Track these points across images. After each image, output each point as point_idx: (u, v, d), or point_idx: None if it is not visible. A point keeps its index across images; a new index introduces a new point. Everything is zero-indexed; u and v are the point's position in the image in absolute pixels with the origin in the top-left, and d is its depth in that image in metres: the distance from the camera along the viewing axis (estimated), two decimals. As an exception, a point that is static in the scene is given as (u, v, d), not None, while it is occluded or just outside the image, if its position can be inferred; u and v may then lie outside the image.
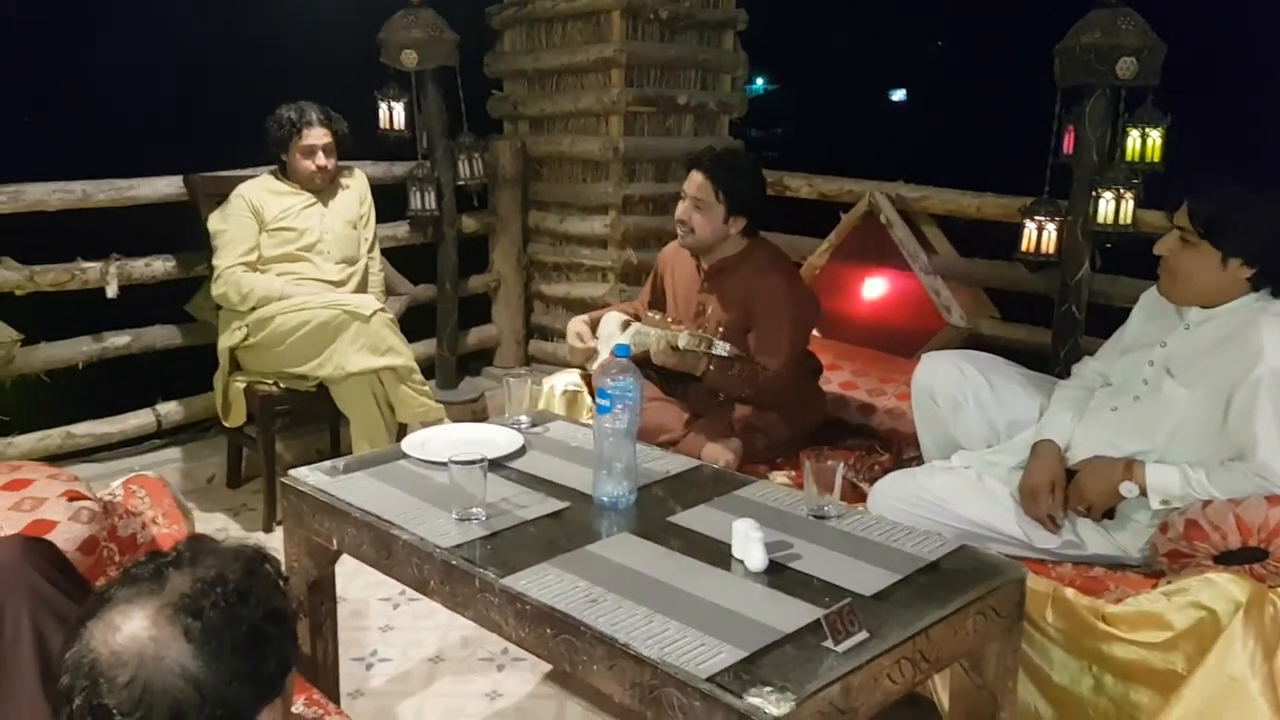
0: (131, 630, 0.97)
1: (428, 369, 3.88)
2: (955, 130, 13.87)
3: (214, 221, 3.35)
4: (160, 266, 3.57)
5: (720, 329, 2.69)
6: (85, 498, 2.06)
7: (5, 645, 1.48)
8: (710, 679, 1.42)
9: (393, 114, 3.98)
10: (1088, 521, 2.20)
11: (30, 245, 3.38)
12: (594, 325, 3.01)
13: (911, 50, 20.33)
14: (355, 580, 2.89)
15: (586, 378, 3.03)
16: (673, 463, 2.26)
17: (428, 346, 4.30)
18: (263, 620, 1.03)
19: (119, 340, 3.56)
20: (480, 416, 4.15)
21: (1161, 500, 2.09)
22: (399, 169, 4.10)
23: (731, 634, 1.52)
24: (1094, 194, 3.21)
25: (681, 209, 2.79)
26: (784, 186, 4.21)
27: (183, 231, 3.58)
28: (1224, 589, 1.85)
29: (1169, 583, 1.98)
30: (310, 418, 3.74)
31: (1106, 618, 1.95)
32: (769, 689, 1.39)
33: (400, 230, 4.17)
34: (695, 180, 2.75)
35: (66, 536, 1.96)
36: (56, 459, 3.32)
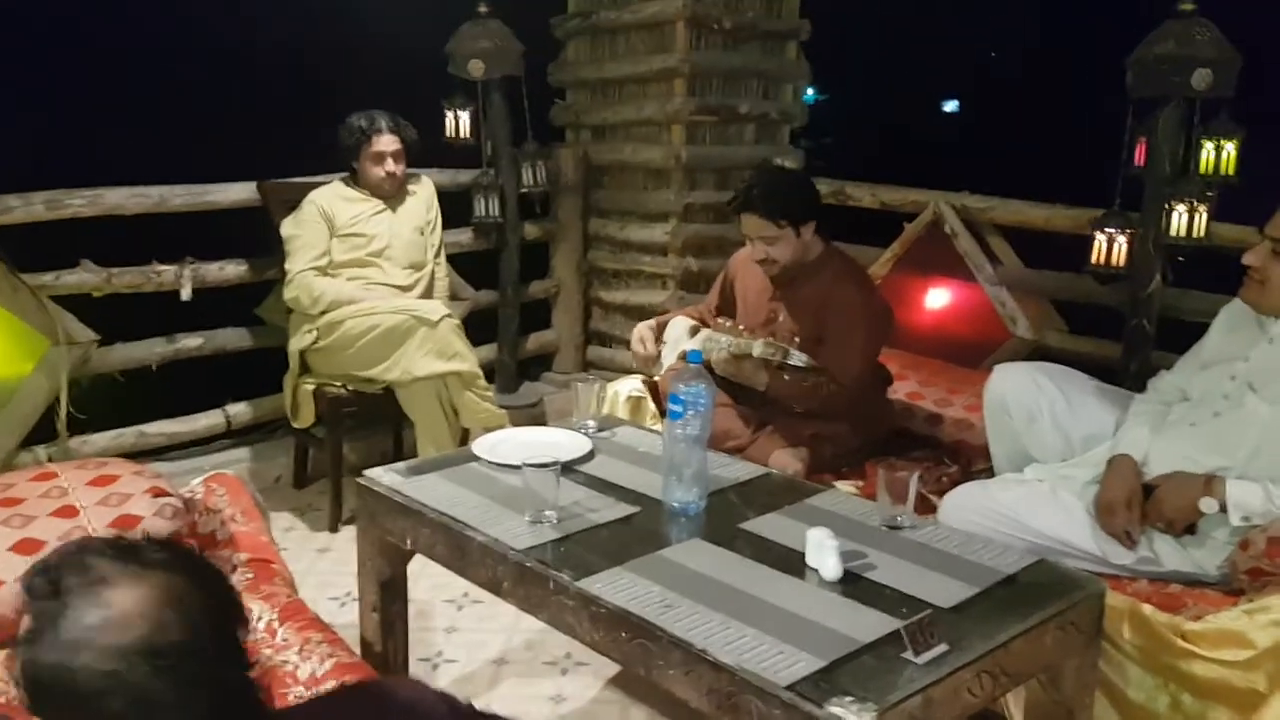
0: (122, 601, 1.04)
1: (488, 373, 3.92)
2: (1009, 141, 13.71)
3: (287, 227, 3.41)
4: (233, 270, 3.65)
5: (796, 339, 2.67)
6: (168, 494, 2.11)
7: None
8: (790, 687, 1.43)
9: (459, 122, 4.04)
10: (1164, 538, 2.16)
11: (108, 248, 3.47)
12: (659, 330, 3.01)
13: (964, 61, 20.15)
14: (420, 581, 2.92)
15: (651, 384, 3.04)
16: (741, 469, 2.27)
17: (489, 351, 4.34)
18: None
19: (191, 342, 3.64)
20: (539, 421, 4.18)
21: (1242, 517, 2.05)
22: (464, 176, 4.16)
23: (809, 643, 1.52)
24: (1166, 206, 3.16)
25: (756, 251, 2.74)
26: (846, 196, 4.20)
27: (254, 236, 3.66)
28: (1308, 608, 1.81)
29: (1250, 600, 1.94)
30: (376, 420, 3.79)
31: (1186, 635, 1.91)
32: (850, 699, 1.40)
33: (464, 236, 4.22)
34: (751, 223, 2.71)
35: (151, 532, 2.00)
36: (129, 457, 3.39)
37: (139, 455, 3.53)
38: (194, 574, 1.09)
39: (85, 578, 1.05)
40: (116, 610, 1.03)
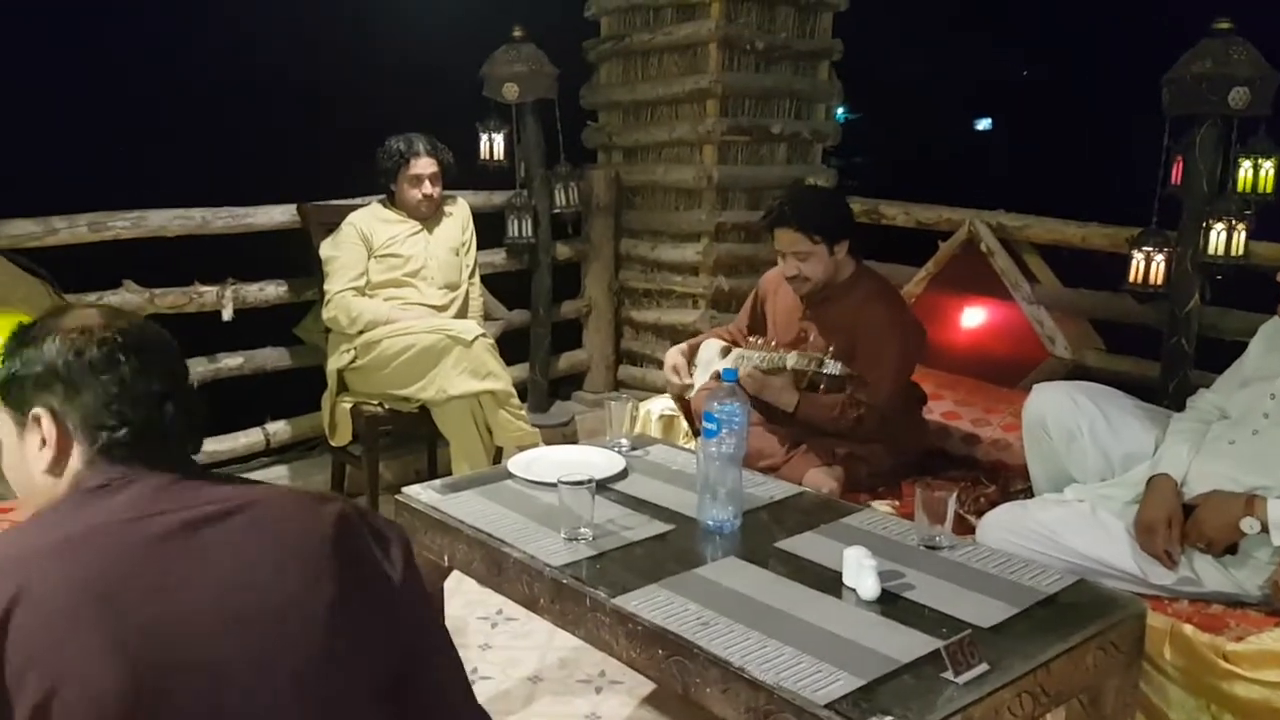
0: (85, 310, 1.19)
1: (520, 392, 3.95)
2: (1042, 160, 13.63)
3: (325, 248, 3.46)
4: (273, 291, 3.71)
5: (830, 349, 2.66)
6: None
7: None
8: (829, 706, 1.42)
9: (493, 145, 4.09)
10: (1205, 558, 2.13)
11: (151, 269, 3.52)
12: (691, 353, 3.02)
13: (997, 79, 20.09)
14: (454, 598, 2.92)
15: (684, 403, 3.05)
16: (776, 488, 2.27)
17: (520, 371, 4.37)
18: None
19: (232, 361, 3.69)
20: (570, 440, 4.19)
21: (1285, 537, 2.03)
22: (498, 198, 4.20)
23: (848, 662, 1.52)
24: (1204, 225, 3.14)
25: (788, 267, 2.75)
26: (880, 214, 4.20)
27: (294, 257, 3.72)
28: (1354, 630, 1.79)
29: (1293, 623, 1.92)
30: (411, 438, 3.83)
31: (1227, 656, 1.90)
32: (889, 718, 1.39)
33: (497, 257, 4.26)
34: (785, 237, 2.72)
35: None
36: (170, 474, 3.43)
37: (179, 472, 3.58)
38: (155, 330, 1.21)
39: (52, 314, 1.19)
40: (78, 312, 1.17)
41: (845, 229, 2.75)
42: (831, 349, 2.55)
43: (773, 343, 2.74)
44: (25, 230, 3.19)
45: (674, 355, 3.00)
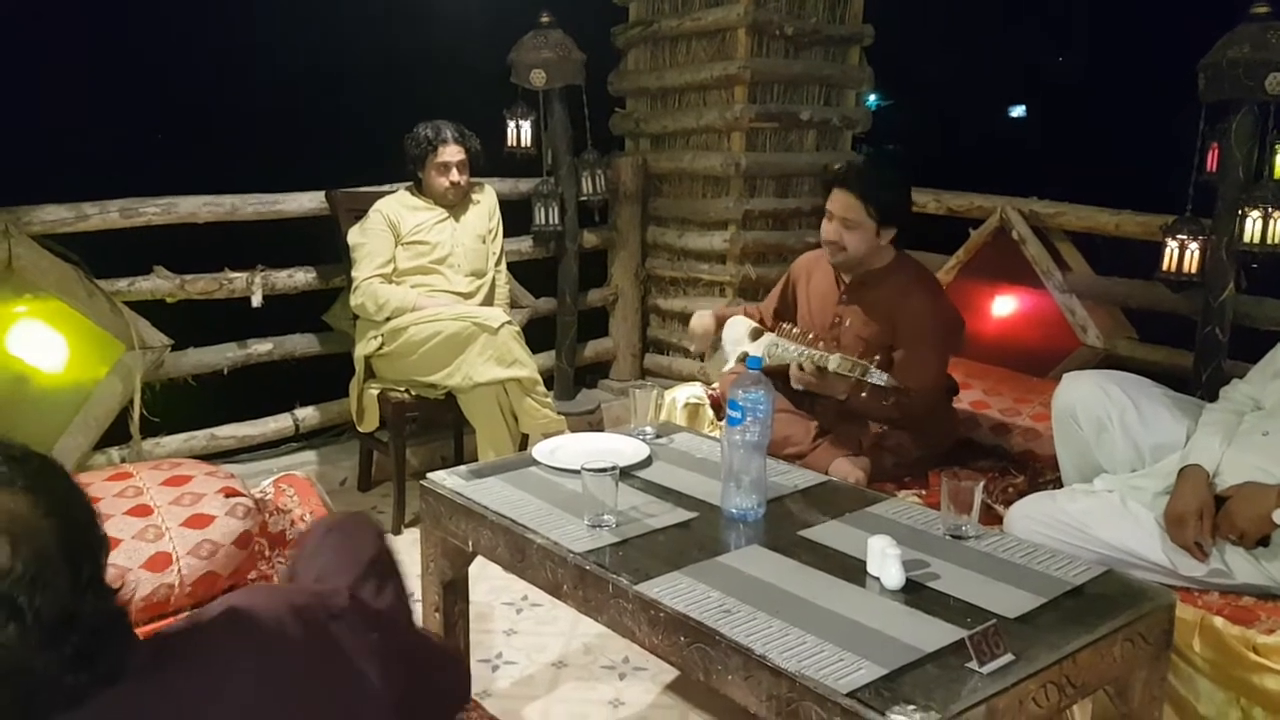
0: None
1: (547, 380, 3.96)
2: (1076, 148, 13.45)
3: (353, 235, 3.48)
4: (301, 277, 3.74)
5: (877, 358, 2.56)
6: (240, 494, 2.16)
7: None
8: (851, 694, 1.41)
9: (520, 132, 4.09)
10: (1237, 550, 2.10)
11: (181, 255, 3.56)
12: (719, 323, 3.01)
13: (1031, 66, 19.85)
14: (479, 584, 2.95)
15: (712, 396, 3.04)
16: (801, 477, 2.26)
17: (546, 359, 4.38)
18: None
19: (262, 347, 3.72)
20: (596, 427, 4.20)
21: (1318, 530, 2.00)
22: (525, 185, 4.21)
23: (871, 650, 1.51)
24: (1240, 213, 3.09)
25: (830, 230, 2.69)
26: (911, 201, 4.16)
27: (322, 244, 3.74)
28: (1390, 625, 1.75)
29: (1327, 617, 1.89)
30: (437, 425, 3.86)
31: (1258, 648, 1.87)
32: (912, 707, 1.38)
33: (524, 244, 4.27)
34: (841, 200, 2.66)
35: (224, 531, 2.06)
36: (200, 459, 3.47)
37: (210, 457, 3.61)
38: (43, 494, 0.96)
39: None
40: None
41: (900, 217, 2.71)
42: (878, 358, 2.45)
43: (809, 335, 2.68)
44: (57, 216, 3.23)
45: (705, 317, 2.99)
